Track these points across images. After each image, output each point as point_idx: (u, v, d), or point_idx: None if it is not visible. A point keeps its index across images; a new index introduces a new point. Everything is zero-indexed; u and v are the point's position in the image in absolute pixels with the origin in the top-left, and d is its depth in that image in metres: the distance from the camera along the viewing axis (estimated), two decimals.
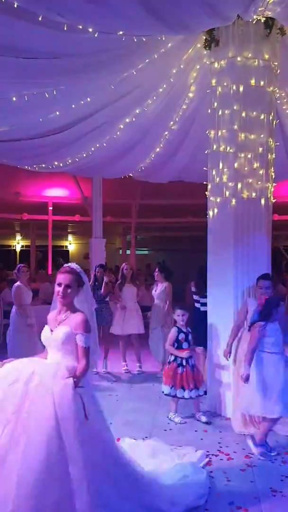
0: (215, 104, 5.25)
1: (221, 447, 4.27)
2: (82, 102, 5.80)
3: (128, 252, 16.93)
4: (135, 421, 4.93)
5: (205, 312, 5.50)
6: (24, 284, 6.55)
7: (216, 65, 5.17)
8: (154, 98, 6.14)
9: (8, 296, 8.49)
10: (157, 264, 8.28)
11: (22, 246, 19.44)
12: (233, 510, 3.21)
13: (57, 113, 5.89)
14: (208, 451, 4.14)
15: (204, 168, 5.30)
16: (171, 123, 6.53)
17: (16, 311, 6.45)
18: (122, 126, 6.35)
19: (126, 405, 5.52)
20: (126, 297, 6.91)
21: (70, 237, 19.99)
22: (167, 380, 4.91)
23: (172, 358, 4.96)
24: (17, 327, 6.36)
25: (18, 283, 6.48)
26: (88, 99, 5.77)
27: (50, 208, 12.99)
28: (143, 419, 5.00)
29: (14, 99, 5.36)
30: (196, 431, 4.68)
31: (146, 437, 4.46)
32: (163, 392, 4.98)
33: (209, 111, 5.37)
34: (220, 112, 5.15)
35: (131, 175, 8.05)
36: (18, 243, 19.41)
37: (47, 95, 5.41)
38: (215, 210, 5.08)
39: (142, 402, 5.63)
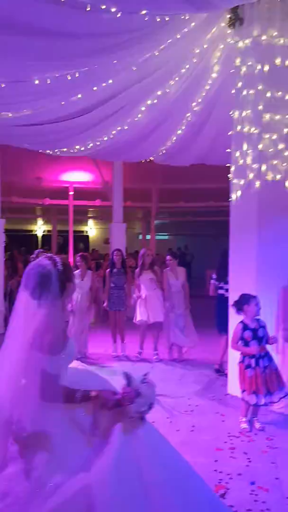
0: (239, 84, 5.17)
1: (242, 429, 4.30)
2: (104, 84, 5.77)
3: (148, 237, 16.92)
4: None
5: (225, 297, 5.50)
6: None
7: (240, 44, 5.08)
8: (177, 79, 6.05)
9: None
10: (171, 250, 8.21)
11: (44, 231, 19.66)
12: (254, 490, 3.25)
13: (79, 96, 5.88)
14: (229, 433, 4.19)
15: (228, 150, 5.24)
16: (194, 104, 6.43)
17: None
18: (143, 108, 6.29)
19: None
20: (145, 284, 6.79)
21: (90, 222, 20.10)
22: (240, 384, 4.24)
23: (240, 358, 4.25)
24: None
25: None
26: (110, 81, 5.73)
27: (71, 193, 13.03)
28: (164, 400, 5.06)
29: (36, 82, 5.36)
30: (217, 413, 4.72)
31: (168, 417, 4.54)
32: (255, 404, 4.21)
33: (233, 91, 5.30)
34: (244, 93, 5.08)
35: (152, 158, 7.98)
36: (39, 228, 19.63)
37: (69, 78, 5.40)
38: (239, 193, 5.03)
39: (163, 383, 5.68)
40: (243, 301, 4.30)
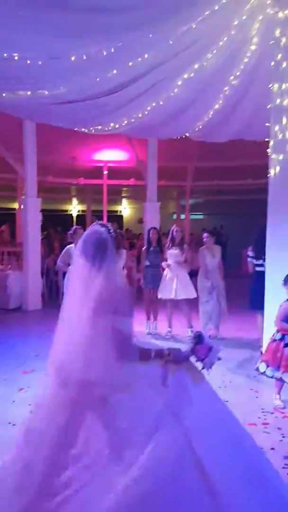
0: (279, 56, 5.03)
1: (276, 405, 4.31)
2: (140, 59, 5.70)
3: (182, 216, 16.82)
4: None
5: (263, 273, 5.44)
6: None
7: (280, 15, 4.95)
8: (214, 52, 5.90)
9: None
10: (209, 229, 8.14)
11: (78, 211, 19.89)
12: (287, 464, 3.26)
13: (114, 71, 5.84)
14: (263, 409, 4.20)
15: (266, 124, 5.11)
16: (232, 78, 6.27)
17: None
18: (180, 83, 6.18)
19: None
20: (172, 261, 6.74)
21: (124, 202, 20.15)
22: (267, 357, 4.25)
23: (279, 336, 4.15)
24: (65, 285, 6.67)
25: (71, 245, 6.73)
26: (146, 56, 5.66)
27: (105, 172, 13.08)
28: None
29: (72, 58, 5.38)
30: (251, 389, 4.73)
31: None
32: (257, 369, 4.37)
33: (272, 63, 5.14)
34: (284, 64, 4.95)
35: (188, 135, 7.87)
36: (74, 208, 19.87)
37: (104, 53, 5.38)
38: (277, 168, 4.91)
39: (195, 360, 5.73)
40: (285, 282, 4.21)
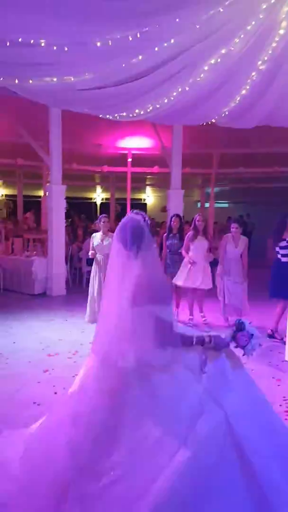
0: None
1: None
2: (166, 44, 5.63)
3: (207, 205, 16.66)
4: None
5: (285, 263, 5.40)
6: (104, 233, 6.81)
7: None
8: (242, 36, 5.77)
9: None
10: (234, 218, 8.06)
11: (102, 199, 19.96)
12: None
13: (140, 57, 5.79)
14: (284, 396, 4.19)
15: None
16: (259, 63, 6.13)
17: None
18: (206, 68, 6.08)
19: None
20: (196, 250, 6.70)
21: (148, 190, 20.10)
22: None
23: None
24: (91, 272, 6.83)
25: (98, 232, 6.80)
26: (172, 41, 5.59)
27: (129, 159, 13.05)
28: None
29: (98, 44, 5.36)
30: (273, 377, 4.72)
31: None
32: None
33: None
34: None
35: (214, 121, 7.75)
36: (98, 196, 19.96)
37: (130, 38, 5.34)
38: None
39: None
40: None
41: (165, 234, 7.16)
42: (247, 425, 2.11)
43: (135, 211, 2.38)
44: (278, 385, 4.54)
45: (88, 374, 2.33)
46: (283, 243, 5.83)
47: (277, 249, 5.92)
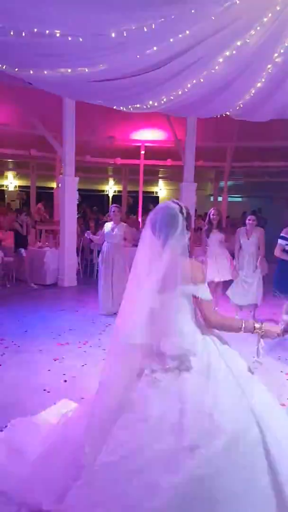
0: None
1: None
2: (181, 36, 5.59)
3: (220, 199, 16.58)
4: None
5: None
6: (115, 223, 6.88)
7: None
8: (258, 28, 5.69)
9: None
10: (252, 212, 8.05)
11: (115, 192, 19.98)
12: None
13: (155, 48, 5.76)
14: None
15: None
16: (275, 55, 6.05)
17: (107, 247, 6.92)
18: (221, 60, 6.03)
19: None
20: (212, 244, 6.81)
21: (160, 183, 20.05)
22: None
23: None
24: (100, 262, 7.05)
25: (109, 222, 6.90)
26: (187, 32, 5.54)
27: (142, 152, 13.02)
28: None
29: (113, 35, 5.35)
30: (281, 371, 4.72)
31: None
32: None
33: None
34: None
35: (228, 113, 7.69)
36: (110, 188, 19.98)
37: (145, 29, 5.31)
38: None
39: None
40: None
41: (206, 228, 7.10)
42: (269, 418, 2.13)
43: (172, 199, 2.33)
44: (287, 379, 4.54)
45: (111, 357, 2.35)
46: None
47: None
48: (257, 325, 2.27)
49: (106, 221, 7.66)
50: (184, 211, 2.24)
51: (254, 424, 2.04)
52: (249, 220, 6.72)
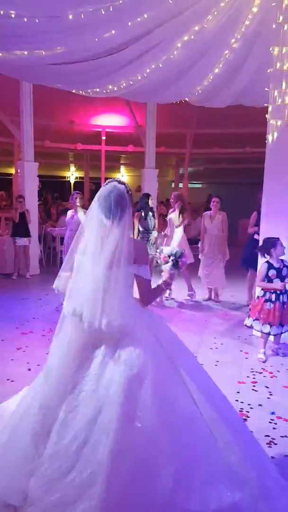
0: (281, 18, 4.94)
1: (265, 366, 4.47)
2: (139, 19, 5.55)
3: (180, 185, 16.70)
4: (182, 339, 5.20)
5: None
6: (76, 211, 6.85)
7: None
8: (215, 13, 5.74)
9: (64, 224, 8.85)
10: (210, 196, 8.22)
11: (76, 178, 19.70)
12: (273, 419, 3.43)
13: (113, 32, 5.69)
14: (252, 369, 4.37)
15: (266, 89, 5.04)
16: (233, 40, 6.12)
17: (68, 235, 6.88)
18: (179, 45, 6.04)
19: (173, 326, 5.79)
20: (171, 227, 6.95)
21: (122, 169, 19.94)
22: (252, 313, 4.69)
23: (261, 293, 4.65)
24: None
25: (71, 210, 6.85)
26: (145, 16, 5.50)
27: (104, 137, 12.89)
28: (192, 338, 5.27)
29: (70, 17, 5.23)
30: (241, 350, 4.89)
31: (193, 352, 4.73)
32: (245, 324, 4.81)
33: (273, 26, 5.02)
34: (286, 27, 4.86)
35: (187, 99, 7.74)
36: (72, 174, 19.67)
37: (103, 12, 5.23)
38: (275, 134, 4.89)
39: (190, 324, 5.90)
40: (270, 245, 4.59)
41: (137, 214, 7.16)
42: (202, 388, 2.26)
43: (116, 179, 2.36)
44: (246, 358, 4.72)
45: (65, 334, 2.36)
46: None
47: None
48: (167, 280, 2.62)
49: (68, 208, 7.59)
50: (129, 189, 2.31)
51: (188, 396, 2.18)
52: (213, 201, 6.89)
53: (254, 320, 4.62)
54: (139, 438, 1.99)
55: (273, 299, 4.53)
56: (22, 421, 2.31)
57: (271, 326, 4.51)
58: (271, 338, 4.84)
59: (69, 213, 6.91)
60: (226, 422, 2.19)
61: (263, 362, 4.57)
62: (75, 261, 2.29)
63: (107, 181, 2.35)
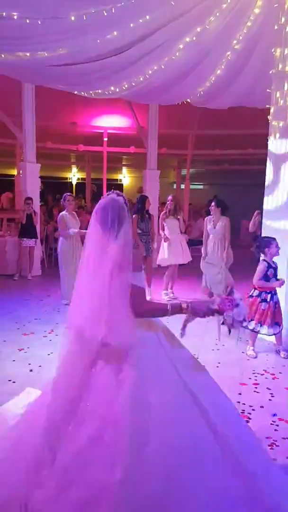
0: (283, 19, 4.94)
1: (267, 367, 4.46)
2: (141, 21, 5.57)
3: (182, 186, 16.70)
4: (184, 341, 5.20)
5: None
6: (69, 213, 6.82)
7: None
8: (217, 14, 5.75)
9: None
10: (213, 198, 8.16)
11: (78, 179, 19.72)
12: (275, 421, 3.42)
13: (115, 33, 5.71)
14: (254, 370, 4.36)
15: (268, 90, 5.04)
16: (235, 42, 6.13)
17: (61, 239, 6.84)
18: (181, 46, 6.05)
19: (176, 327, 5.79)
20: (169, 229, 7.05)
21: (124, 170, 19.96)
22: (250, 314, 4.68)
23: (256, 293, 4.71)
24: (62, 251, 6.81)
25: (64, 212, 6.81)
26: (147, 17, 5.52)
27: (105, 139, 12.90)
28: (192, 339, 5.26)
29: (72, 18, 5.25)
30: (243, 352, 4.88)
31: (194, 354, 4.72)
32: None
33: (275, 27, 5.02)
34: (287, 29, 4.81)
35: (189, 100, 7.74)
36: (74, 175, 19.70)
37: (105, 13, 5.25)
38: (277, 135, 4.89)
39: (191, 325, 5.88)
40: (264, 245, 4.68)
41: (135, 216, 7.15)
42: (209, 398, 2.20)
43: (115, 191, 2.32)
44: (248, 360, 4.71)
45: (65, 349, 2.35)
46: None
47: None
48: (184, 306, 2.21)
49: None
50: (126, 201, 2.27)
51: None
52: (211, 206, 6.82)
53: (250, 321, 4.68)
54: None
55: (268, 299, 4.65)
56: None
57: (261, 325, 4.65)
58: (272, 338, 4.92)
59: (64, 216, 6.85)
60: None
61: (254, 358, 4.75)
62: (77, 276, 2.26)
63: (107, 193, 2.33)
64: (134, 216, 7.13)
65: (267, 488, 2.12)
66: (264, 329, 4.67)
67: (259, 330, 4.68)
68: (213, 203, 6.78)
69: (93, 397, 2.12)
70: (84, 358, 2.21)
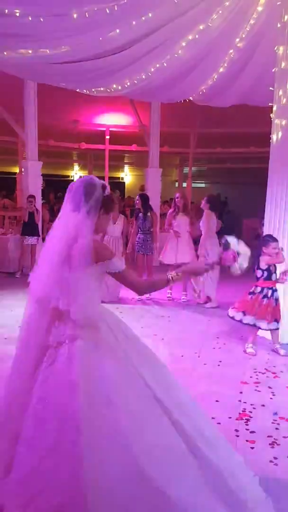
0: (286, 17, 4.92)
1: (268, 366, 4.46)
2: (143, 18, 5.54)
3: (184, 185, 16.68)
4: (186, 339, 5.22)
5: None
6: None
7: None
8: (220, 12, 5.73)
9: None
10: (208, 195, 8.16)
11: (80, 177, 19.70)
12: (276, 420, 3.42)
13: (117, 31, 5.69)
14: (255, 369, 4.36)
15: (271, 88, 5.03)
16: (237, 40, 6.11)
17: None
18: (184, 44, 6.03)
19: (177, 325, 5.81)
20: (178, 227, 6.95)
21: (126, 168, 19.94)
22: (240, 306, 4.82)
23: (258, 289, 4.75)
24: None
25: None
26: (150, 15, 5.50)
27: (107, 137, 12.88)
28: (195, 338, 5.27)
29: (75, 16, 5.24)
30: (244, 351, 4.88)
31: (196, 352, 4.75)
32: (232, 317, 4.89)
33: (278, 25, 5.00)
34: None
35: (191, 98, 7.72)
36: (76, 173, 19.69)
37: (107, 11, 5.23)
38: (280, 134, 4.87)
39: (192, 324, 5.90)
40: (262, 243, 4.73)
41: (172, 210, 7.11)
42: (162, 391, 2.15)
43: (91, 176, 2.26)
44: (249, 358, 4.70)
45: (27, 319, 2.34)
46: None
47: None
48: (179, 273, 2.23)
49: None
50: (106, 190, 2.19)
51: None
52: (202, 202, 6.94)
53: (244, 315, 4.74)
54: None
55: (269, 295, 4.70)
56: None
57: (263, 321, 4.69)
58: (268, 336, 4.97)
59: None
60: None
61: (254, 355, 4.73)
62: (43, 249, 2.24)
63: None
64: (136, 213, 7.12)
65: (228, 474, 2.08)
66: (264, 324, 4.70)
67: (259, 326, 4.71)
68: (204, 199, 6.86)
69: (46, 395, 2.09)
70: (41, 319, 2.22)
